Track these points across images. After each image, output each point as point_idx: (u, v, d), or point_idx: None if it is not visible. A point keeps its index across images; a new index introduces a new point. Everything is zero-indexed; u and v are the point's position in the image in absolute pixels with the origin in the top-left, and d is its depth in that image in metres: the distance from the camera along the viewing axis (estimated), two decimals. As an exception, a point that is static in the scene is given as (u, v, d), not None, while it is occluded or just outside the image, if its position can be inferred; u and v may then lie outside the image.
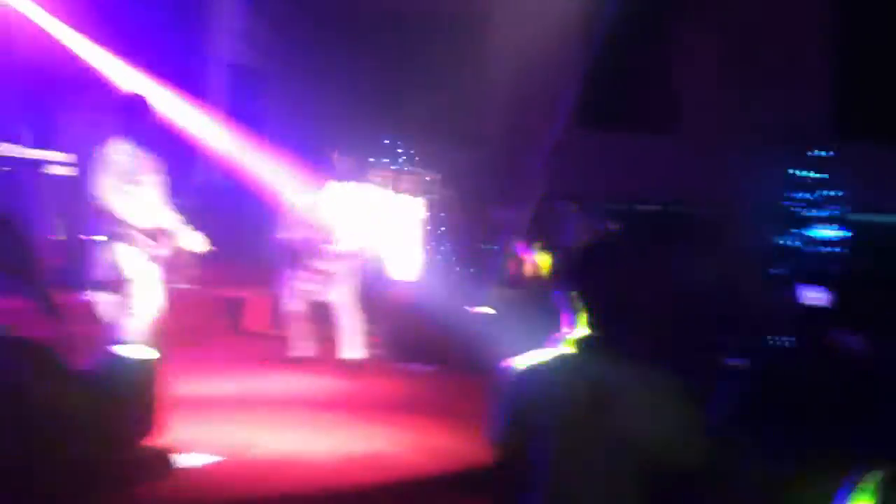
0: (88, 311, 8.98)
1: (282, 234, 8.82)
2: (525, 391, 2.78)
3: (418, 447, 5.93)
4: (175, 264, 7.00)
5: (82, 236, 10.21)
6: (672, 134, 14.61)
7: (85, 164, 9.19)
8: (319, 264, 8.57)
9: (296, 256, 8.78)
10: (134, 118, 6.75)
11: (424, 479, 5.51)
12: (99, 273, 9.42)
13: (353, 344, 8.42)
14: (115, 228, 6.56)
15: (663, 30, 14.96)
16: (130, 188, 6.61)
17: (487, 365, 4.41)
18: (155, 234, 6.76)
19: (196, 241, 7.21)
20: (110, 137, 6.66)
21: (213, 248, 7.34)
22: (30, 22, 11.77)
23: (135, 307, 6.65)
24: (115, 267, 6.63)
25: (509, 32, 14.52)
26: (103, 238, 6.62)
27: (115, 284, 9.36)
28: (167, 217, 6.97)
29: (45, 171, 9.75)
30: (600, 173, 13.86)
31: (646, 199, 14.27)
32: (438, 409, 7.07)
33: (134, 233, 6.63)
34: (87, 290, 9.20)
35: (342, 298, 8.50)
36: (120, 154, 6.58)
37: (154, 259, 6.77)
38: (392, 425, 6.51)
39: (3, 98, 11.35)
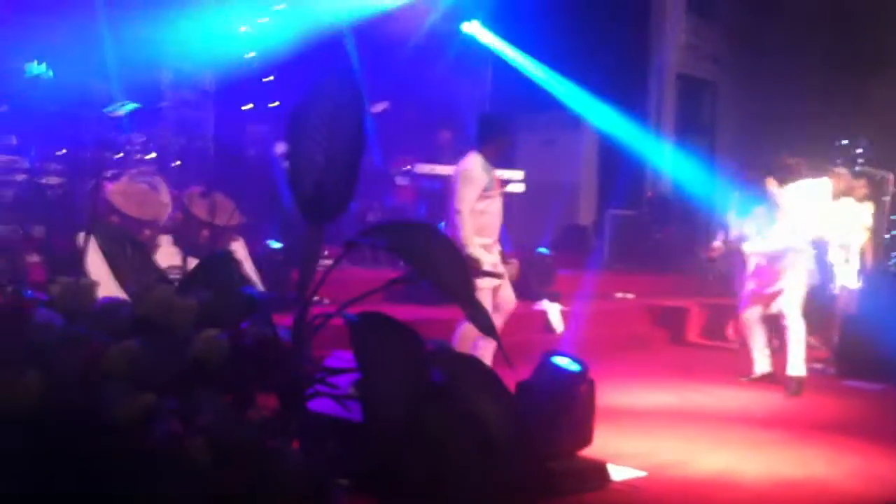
0: (539, 320, 9.53)
1: (733, 242, 8.71)
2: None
3: (857, 473, 5.56)
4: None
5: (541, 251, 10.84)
6: None
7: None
8: (771, 272, 8.34)
9: (750, 264, 8.65)
10: (491, 136, 6.92)
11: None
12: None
13: (797, 358, 8.04)
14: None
15: None
16: (485, 203, 6.73)
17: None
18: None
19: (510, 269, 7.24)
20: (470, 153, 6.86)
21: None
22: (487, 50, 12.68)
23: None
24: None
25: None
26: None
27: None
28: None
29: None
30: None
31: None
32: (884, 433, 6.58)
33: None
34: (540, 300, 9.77)
35: (791, 308, 8.15)
36: (478, 169, 6.74)
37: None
38: (831, 448, 6.15)
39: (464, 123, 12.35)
